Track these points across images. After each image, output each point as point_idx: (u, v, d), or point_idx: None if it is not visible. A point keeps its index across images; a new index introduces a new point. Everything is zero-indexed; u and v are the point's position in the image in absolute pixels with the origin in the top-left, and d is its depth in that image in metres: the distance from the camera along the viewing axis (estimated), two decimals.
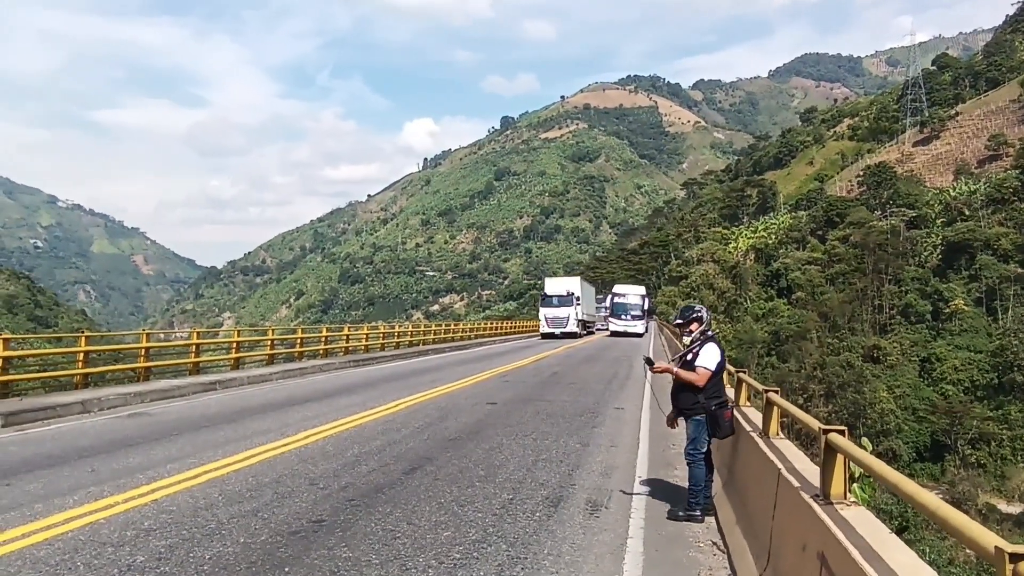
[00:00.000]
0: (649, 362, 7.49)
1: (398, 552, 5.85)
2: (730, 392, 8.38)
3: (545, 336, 51.59)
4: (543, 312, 53.26)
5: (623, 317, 57.15)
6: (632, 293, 59.58)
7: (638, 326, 56.43)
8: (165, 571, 5.37)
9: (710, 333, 7.23)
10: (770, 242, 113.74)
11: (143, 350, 17.82)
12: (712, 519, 7.04)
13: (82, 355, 15.65)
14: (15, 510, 6.81)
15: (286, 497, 7.39)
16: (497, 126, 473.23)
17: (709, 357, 6.96)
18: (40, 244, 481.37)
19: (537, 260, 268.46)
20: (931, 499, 2.98)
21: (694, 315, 7.31)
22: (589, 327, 60.66)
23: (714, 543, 6.38)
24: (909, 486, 3.22)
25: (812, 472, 4.91)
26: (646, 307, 58.64)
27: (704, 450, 6.96)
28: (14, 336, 16.78)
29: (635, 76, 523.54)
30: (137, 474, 8.31)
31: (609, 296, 61.37)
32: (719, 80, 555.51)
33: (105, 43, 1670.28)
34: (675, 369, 7.11)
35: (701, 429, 6.93)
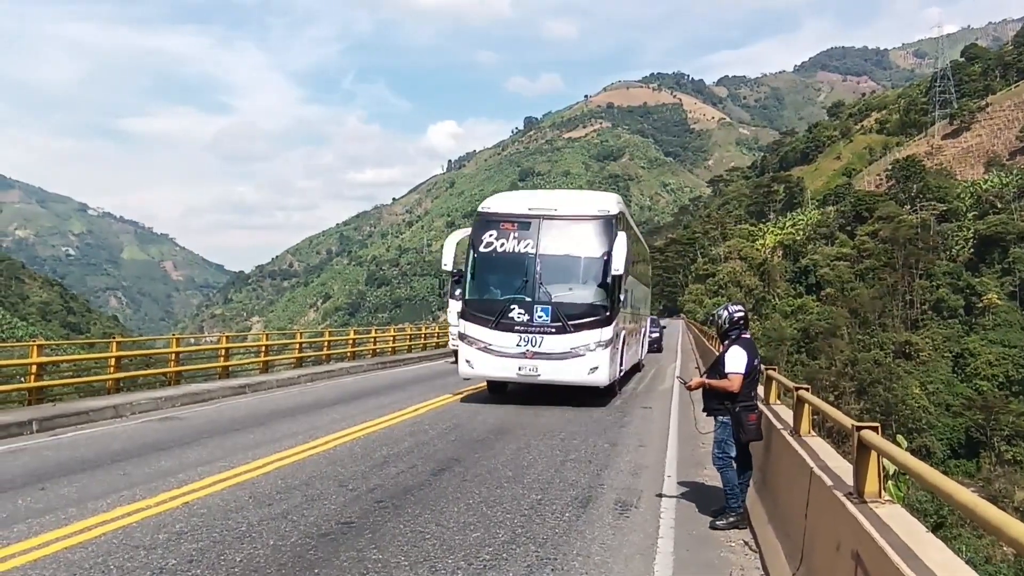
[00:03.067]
0: (682, 381, 7.57)
1: (427, 554, 5.85)
2: (760, 391, 8.28)
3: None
4: (453, 305, 17.86)
5: (520, 322, 14.41)
6: (559, 214, 14.97)
7: (585, 356, 14.24)
8: (196, 574, 5.41)
9: (733, 335, 7.05)
10: (798, 238, 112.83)
11: (173, 355, 17.98)
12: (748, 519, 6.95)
13: (114, 360, 15.82)
14: (50, 514, 6.89)
15: (315, 499, 7.42)
16: (520, 127, 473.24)
17: (736, 360, 6.77)
18: (72, 252, 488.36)
19: None
20: (968, 496, 2.92)
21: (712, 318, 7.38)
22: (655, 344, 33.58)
23: (746, 543, 6.31)
24: (946, 483, 3.15)
25: (845, 470, 4.83)
26: (613, 273, 14.40)
27: (732, 453, 6.81)
28: (48, 342, 17.02)
29: (659, 74, 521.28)
30: (168, 477, 8.38)
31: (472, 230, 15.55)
32: (744, 76, 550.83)
33: (131, 52, 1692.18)
34: (707, 381, 6.95)
35: (727, 431, 6.81)
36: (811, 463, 5.22)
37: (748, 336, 7.14)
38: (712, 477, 8.14)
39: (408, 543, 6.09)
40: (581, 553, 5.93)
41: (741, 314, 7.15)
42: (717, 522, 6.71)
